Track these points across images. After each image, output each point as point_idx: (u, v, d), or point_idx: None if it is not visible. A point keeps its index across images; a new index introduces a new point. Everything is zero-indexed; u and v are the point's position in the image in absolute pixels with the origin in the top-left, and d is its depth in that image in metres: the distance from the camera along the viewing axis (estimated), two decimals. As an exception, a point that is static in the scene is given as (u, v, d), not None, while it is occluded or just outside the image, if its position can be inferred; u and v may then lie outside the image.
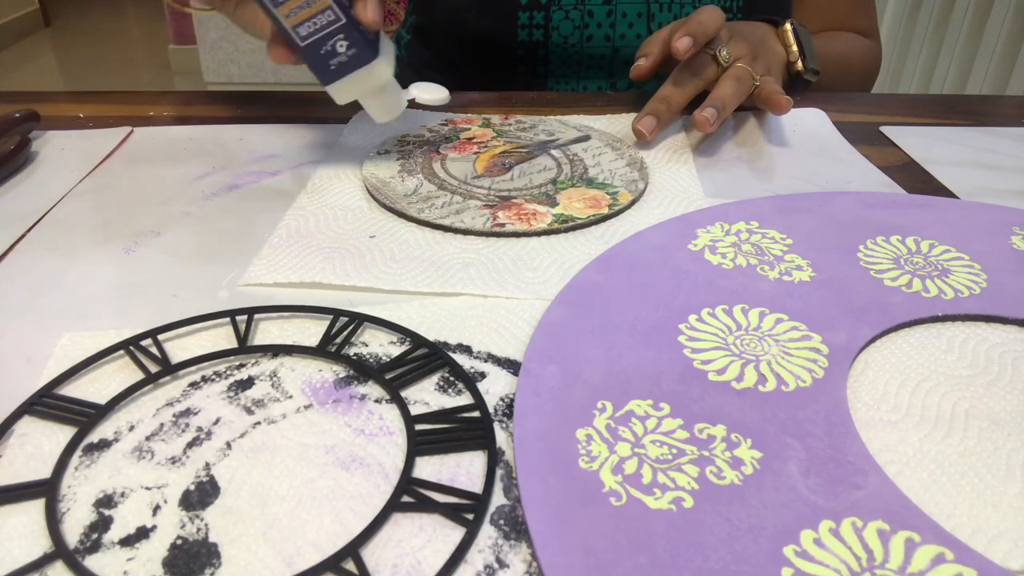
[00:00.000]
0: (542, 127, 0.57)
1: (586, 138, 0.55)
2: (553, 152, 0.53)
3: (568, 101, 0.65)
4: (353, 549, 0.24)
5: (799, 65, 0.61)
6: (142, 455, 0.28)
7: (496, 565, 0.24)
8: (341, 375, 0.32)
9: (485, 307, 0.37)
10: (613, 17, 0.68)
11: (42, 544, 0.25)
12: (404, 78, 0.84)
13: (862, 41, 0.74)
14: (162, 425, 0.30)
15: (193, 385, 0.32)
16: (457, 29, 0.73)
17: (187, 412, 0.30)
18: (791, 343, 0.33)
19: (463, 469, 0.28)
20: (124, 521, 0.26)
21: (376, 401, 0.31)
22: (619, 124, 0.59)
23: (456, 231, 0.43)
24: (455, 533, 0.25)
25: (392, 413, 0.30)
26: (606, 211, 0.45)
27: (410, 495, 0.26)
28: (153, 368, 0.32)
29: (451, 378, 0.32)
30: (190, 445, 0.29)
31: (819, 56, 0.63)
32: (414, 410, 0.30)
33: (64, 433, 0.29)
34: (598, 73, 0.72)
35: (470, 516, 0.25)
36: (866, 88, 0.77)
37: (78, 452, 0.28)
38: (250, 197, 0.48)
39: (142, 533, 0.25)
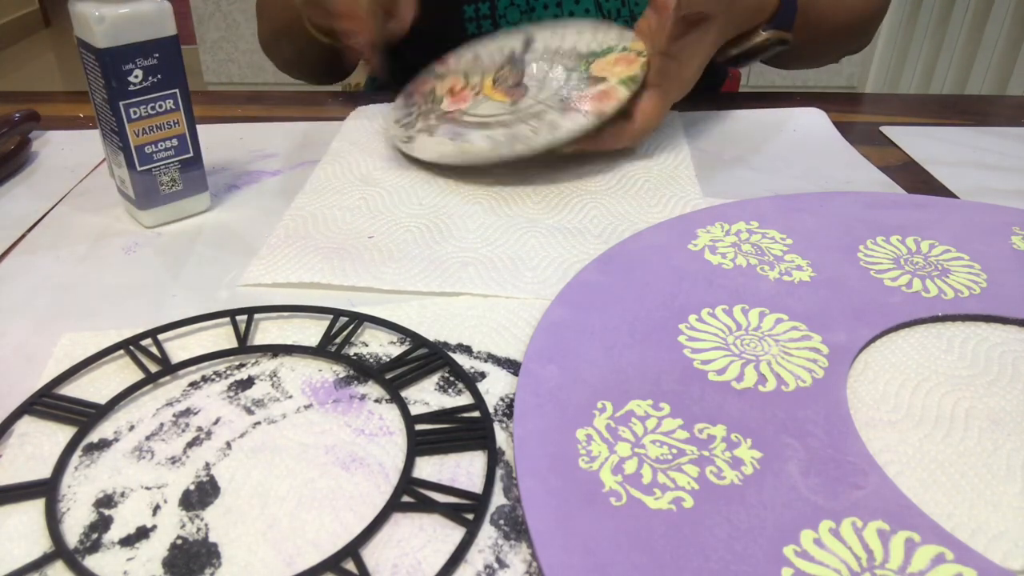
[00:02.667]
0: (485, 48, 0.55)
1: (531, 40, 0.54)
2: (536, 53, 0.52)
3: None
4: (353, 549, 0.24)
5: (760, 35, 0.53)
6: (142, 455, 0.28)
7: (496, 565, 0.24)
8: (341, 375, 0.32)
9: (485, 307, 0.37)
10: None
11: (42, 544, 0.25)
12: (388, 83, 0.84)
13: None
14: (162, 425, 0.30)
15: (193, 385, 0.32)
16: (410, 32, 0.73)
17: (187, 412, 0.30)
18: (791, 343, 0.33)
19: (463, 469, 0.28)
20: (124, 521, 0.26)
21: (376, 401, 0.31)
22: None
23: (554, 145, 0.45)
24: (455, 533, 0.25)
25: (392, 413, 0.30)
26: (641, 66, 0.47)
27: (410, 495, 0.26)
28: (153, 368, 0.32)
29: (451, 378, 0.32)
30: (190, 445, 0.29)
31: None
32: (414, 410, 0.30)
33: (64, 433, 0.29)
34: None
35: (470, 516, 0.25)
36: (871, 28, 0.66)
37: (78, 452, 0.28)
38: (250, 197, 0.48)
39: (142, 533, 0.25)
